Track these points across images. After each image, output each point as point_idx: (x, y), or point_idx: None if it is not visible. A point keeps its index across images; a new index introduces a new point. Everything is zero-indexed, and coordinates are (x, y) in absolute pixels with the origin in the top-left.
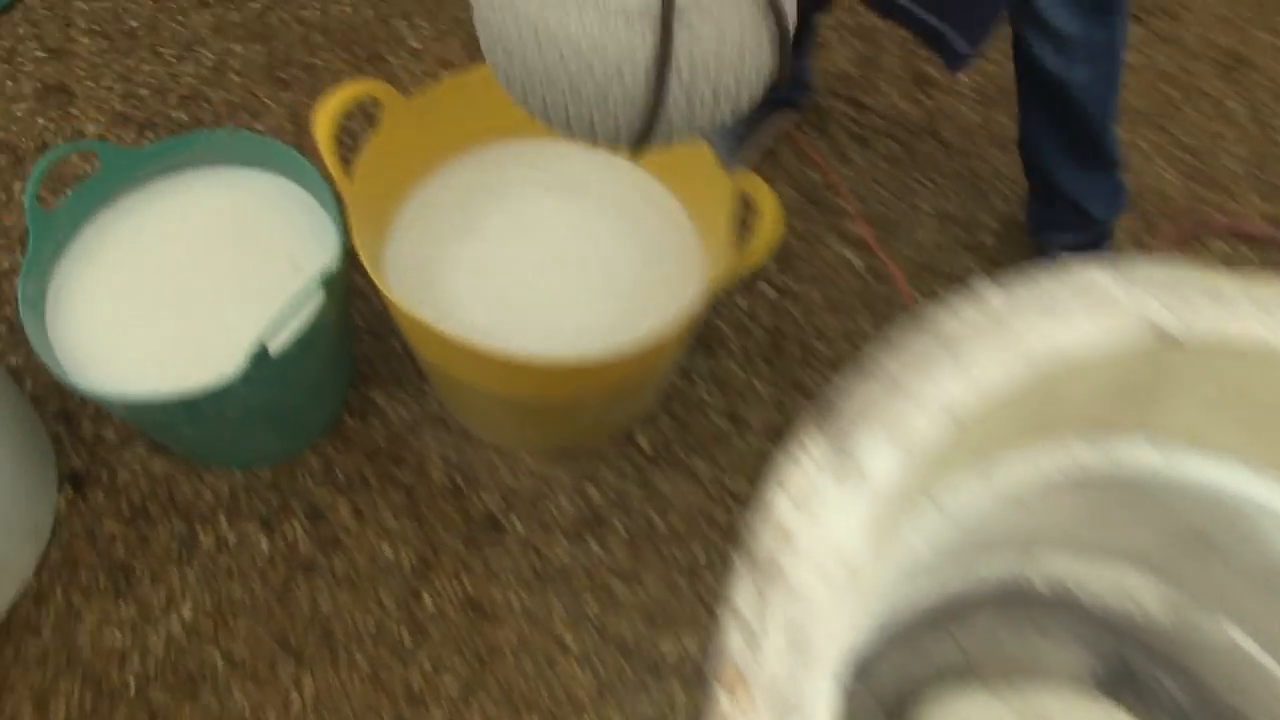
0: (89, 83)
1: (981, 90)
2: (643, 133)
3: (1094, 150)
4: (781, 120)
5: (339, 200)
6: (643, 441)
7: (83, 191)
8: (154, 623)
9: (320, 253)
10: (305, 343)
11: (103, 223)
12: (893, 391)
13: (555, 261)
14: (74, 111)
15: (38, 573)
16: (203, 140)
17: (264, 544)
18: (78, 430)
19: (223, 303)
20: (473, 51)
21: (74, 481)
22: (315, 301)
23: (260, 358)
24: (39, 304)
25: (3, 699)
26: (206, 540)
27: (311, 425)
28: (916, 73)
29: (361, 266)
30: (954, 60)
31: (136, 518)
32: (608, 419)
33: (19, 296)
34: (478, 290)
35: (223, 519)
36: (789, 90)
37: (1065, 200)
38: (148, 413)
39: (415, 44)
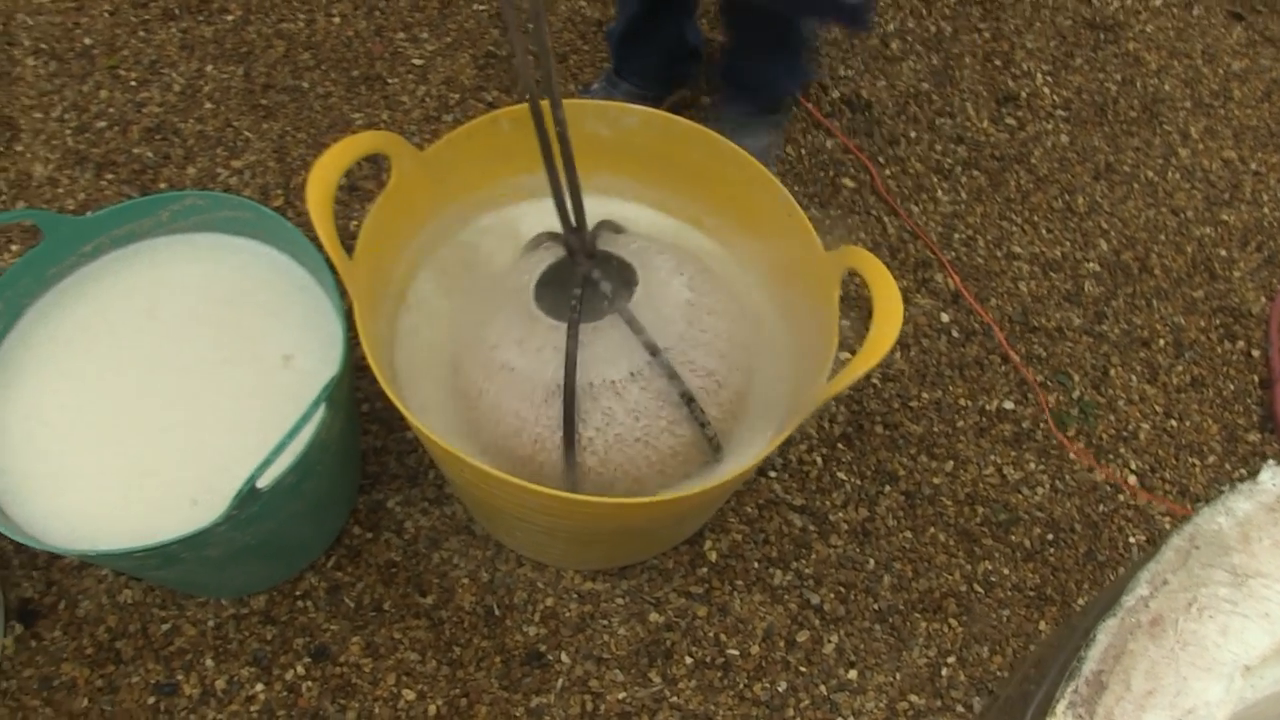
0: (37, 114)
1: (1071, 108)
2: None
3: (784, 43)
4: (678, 98)
5: (341, 282)
6: (709, 549)
7: (20, 272)
8: None
9: (318, 343)
10: (303, 468)
11: (46, 310)
12: (1174, 656)
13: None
14: (19, 149)
15: None
16: (168, 205)
17: (260, 691)
18: (27, 549)
19: (198, 408)
20: (484, 68)
21: (24, 615)
22: (316, 419)
23: (248, 496)
24: None
25: None
26: (189, 688)
27: (311, 547)
28: (998, 88)
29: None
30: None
31: (103, 660)
32: (672, 535)
33: None
34: None
35: (208, 660)
36: (682, 66)
37: (749, 89)
38: (109, 560)
39: (417, 60)
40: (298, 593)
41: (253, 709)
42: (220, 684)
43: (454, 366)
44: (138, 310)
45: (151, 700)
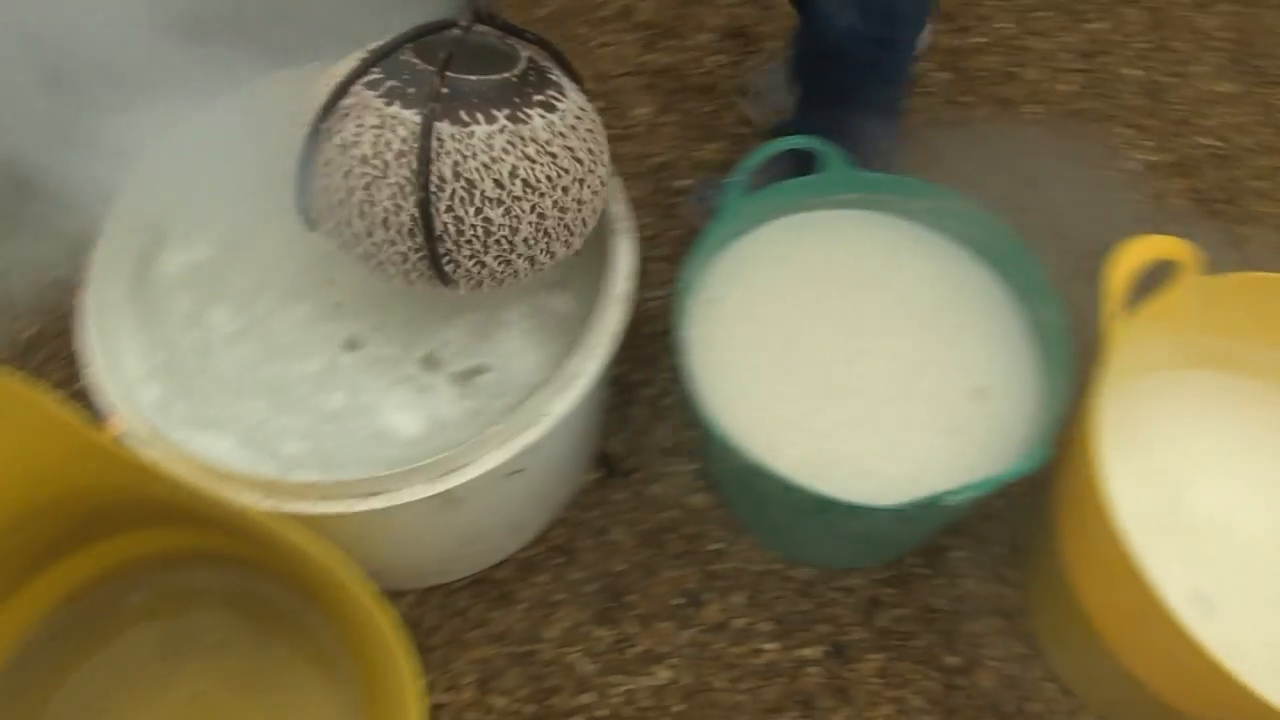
0: None
1: None
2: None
3: None
4: None
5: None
6: None
7: (779, 191)
8: (626, 669)
9: (1013, 388)
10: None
11: (772, 235)
12: None
13: None
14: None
15: (535, 543)
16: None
17: (770, 649)
18: (632, 404)
19: (880, 393)
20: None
21: (604, 464)
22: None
23: (925, 505)
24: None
25: (450, 659)
26: (710, 611)
27: (881, 556)
28: None
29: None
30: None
31: (650, 543)
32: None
33: (680, 280)
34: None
35: (736, 597)
36: None
37: None
38: (766, 481)
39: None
40: (837, 584)
41: (755, 661)
42: (739, 623)
43: None
44: (856, 270)
45: (676, 601)
